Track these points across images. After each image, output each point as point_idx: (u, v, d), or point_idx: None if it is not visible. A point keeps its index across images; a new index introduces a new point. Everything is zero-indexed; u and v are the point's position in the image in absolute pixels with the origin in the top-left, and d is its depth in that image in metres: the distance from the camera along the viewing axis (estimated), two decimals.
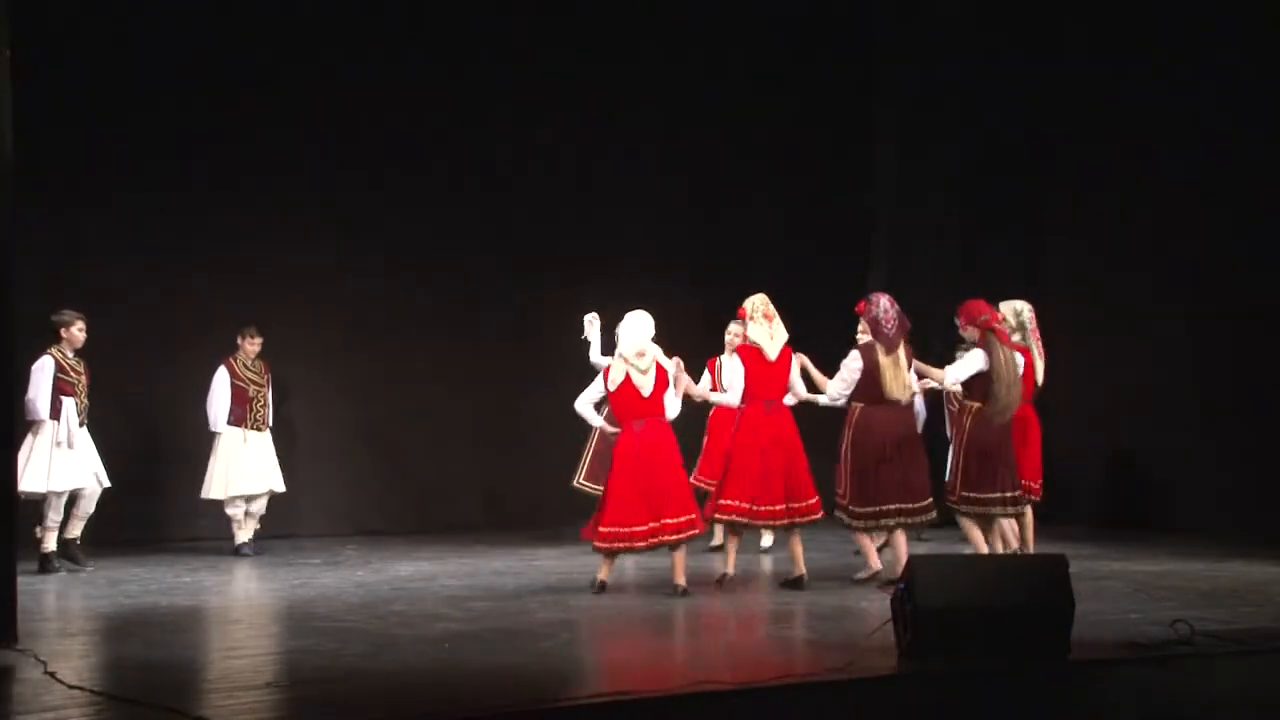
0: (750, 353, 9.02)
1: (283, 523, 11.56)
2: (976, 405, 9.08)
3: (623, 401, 8.70)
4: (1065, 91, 13.07)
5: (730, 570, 8.99)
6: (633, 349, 8.67)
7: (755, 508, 8.87)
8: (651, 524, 8.56)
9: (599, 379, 9.01)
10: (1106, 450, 12.63)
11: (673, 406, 8.78)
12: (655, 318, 11.87)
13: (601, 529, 8.66)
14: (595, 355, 10.75)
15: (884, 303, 8.93)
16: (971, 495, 9.07)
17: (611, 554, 8.71)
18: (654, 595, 8.70)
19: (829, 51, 14.08)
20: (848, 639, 7.05)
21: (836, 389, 8.98)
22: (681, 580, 8.67)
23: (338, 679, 6.21)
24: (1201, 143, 11.93)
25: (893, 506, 8.83)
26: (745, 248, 13.70)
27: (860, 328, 10.14)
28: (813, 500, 8.96)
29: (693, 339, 12.95)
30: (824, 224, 13.92)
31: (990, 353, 9.00)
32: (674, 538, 8.60)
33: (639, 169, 13.44)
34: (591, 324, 10.77)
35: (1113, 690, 6.34)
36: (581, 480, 10.98)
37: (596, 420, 9.26)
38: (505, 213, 13.02)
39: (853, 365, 8.88)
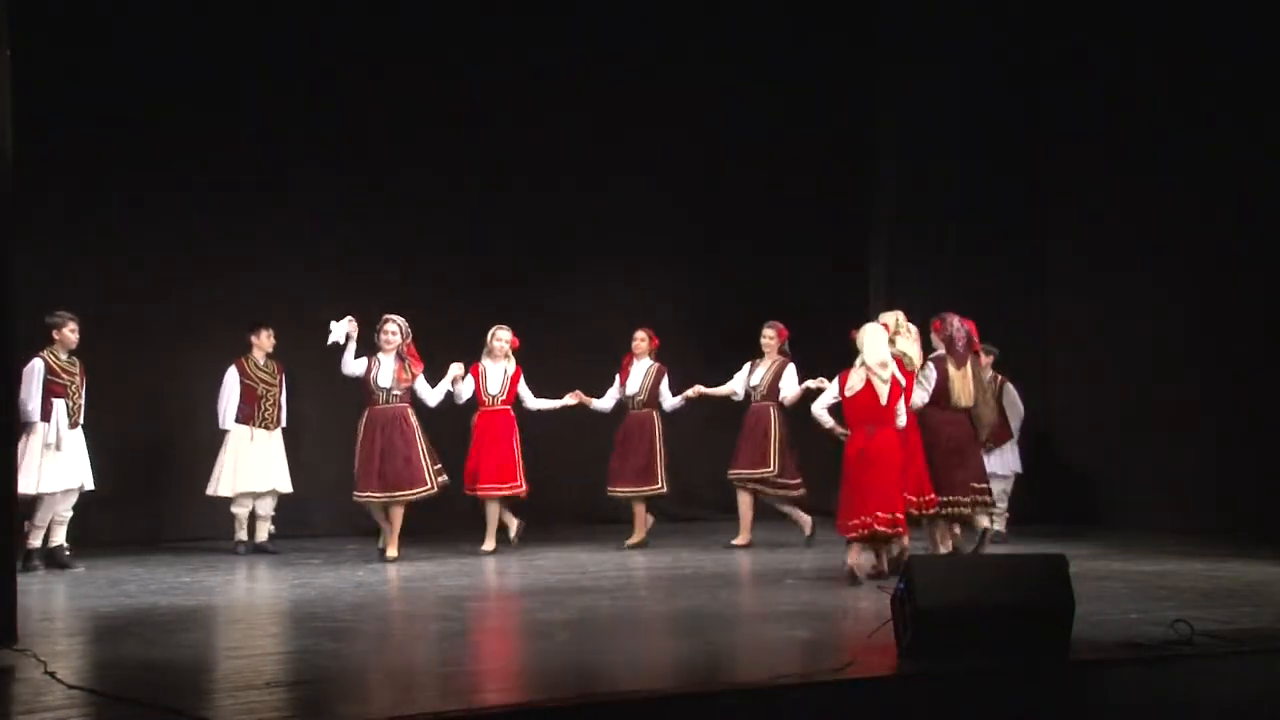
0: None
1: (283, 523, 11.54)
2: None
3: (858, 408, 9.18)
4: (1066, 94, 13.05)
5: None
6: (876, 359, 9.12)
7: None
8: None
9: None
10: (1107, 451, 12.63)
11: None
12: (652, 321, 11.88)
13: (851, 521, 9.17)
14: (349, 361, 10.58)
15: (955, 322, 9.75)
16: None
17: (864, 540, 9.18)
18: (655, 595, 8.70)
19: (829, 56, 14.00)
20: (848, 639, 7.06)
21: (920, 397, 9.65)
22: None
23: (338, 679, 6.22)
24: (1201, 146, 11.91)
25: (953, 498, 9.62)
26: (744, 253, 13.70)
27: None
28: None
29: (691, 340, 13.00)
30: (823, 229, 13.88)
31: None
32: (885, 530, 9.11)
33: (639, 173, 13.42)
34: (339, 328, 10.58)
35: (1113, 690, 6.35)
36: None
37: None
38: (511, 213, 13.00)
39: (930, 376, 9.65)
